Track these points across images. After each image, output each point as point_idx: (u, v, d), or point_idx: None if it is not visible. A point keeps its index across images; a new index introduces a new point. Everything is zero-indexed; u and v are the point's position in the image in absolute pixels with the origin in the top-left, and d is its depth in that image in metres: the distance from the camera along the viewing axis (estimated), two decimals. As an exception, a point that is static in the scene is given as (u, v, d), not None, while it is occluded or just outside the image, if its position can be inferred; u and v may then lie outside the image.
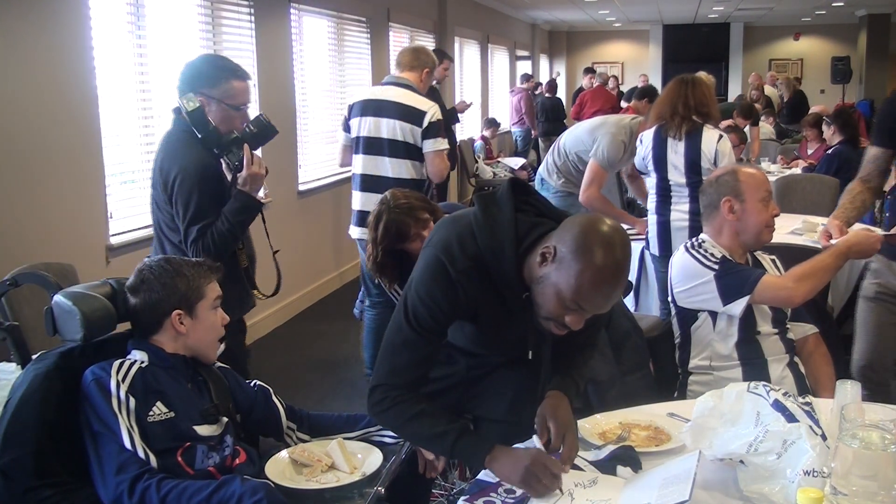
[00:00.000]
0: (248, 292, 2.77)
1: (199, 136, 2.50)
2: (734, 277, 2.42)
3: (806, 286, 2.40)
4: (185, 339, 1.97)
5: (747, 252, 2.57)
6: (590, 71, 12.74)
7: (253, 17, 5.34)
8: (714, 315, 2.47)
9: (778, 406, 1.69)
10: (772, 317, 2.50)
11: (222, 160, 2.54)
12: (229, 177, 2.54)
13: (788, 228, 4.31)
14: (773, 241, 3.77)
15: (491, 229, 1.78)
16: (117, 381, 1.81)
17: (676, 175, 3.71)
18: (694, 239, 2.60)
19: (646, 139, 3.87)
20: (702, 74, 4.26)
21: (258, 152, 2.67)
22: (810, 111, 8.53)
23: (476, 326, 1.93)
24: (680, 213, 3.70)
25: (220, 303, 2.02)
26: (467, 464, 1.85)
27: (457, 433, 1.78)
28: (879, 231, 2.68)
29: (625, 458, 1.83)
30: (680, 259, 2.54)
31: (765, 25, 17.03)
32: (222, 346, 2.11)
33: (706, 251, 2.49)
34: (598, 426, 2.02)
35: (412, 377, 1.85)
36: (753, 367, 2.44)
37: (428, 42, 9.33)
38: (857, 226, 4.23)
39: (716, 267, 2.44)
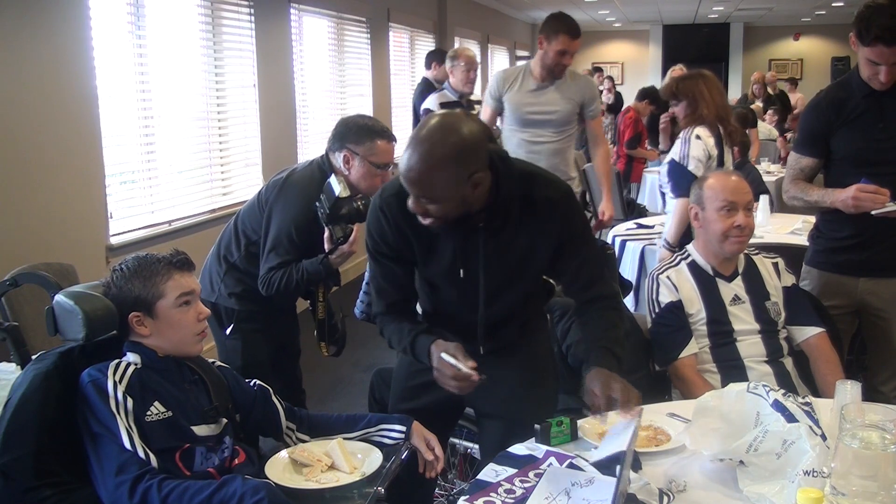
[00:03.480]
0: (295, 324, 3.08)
1: (326, 210, 2.64)
2: (659, 341, 2.51)
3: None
4: (152, 339, 1.93)
5: (734, 257, 2.56)
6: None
7: (253, 17, 5.34)
8: None
9: (778, 406, 1.69)
10: (754, 317, 2.48)
11: (327, 228, 2.66)
12: (326, 246, 2.67)
13: (788, 228, 4.31)
14: (774, 240, 3.79)
15: None
16: (114, 382, 1.81)
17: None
18: (669, 258, 2.64)
19: (703, 134, 3.53)
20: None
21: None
22: (795, 108, 8.48)
23: (419, 257, 2.07)
24: None
25: (192, 298, 1.96)
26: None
27: (410, 345, 2.06)
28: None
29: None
30: (643, 286, 2.60)
31: (765, 25, 17.02)
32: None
33: (657, 289, 2.52)
34: (598, 426, 2.02)
35: (390, 301, 2.14)
36: (731, 369, 2.43)
37: (428, 42, 9.33)
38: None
39: (653, 316, 2.53)
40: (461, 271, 2.02)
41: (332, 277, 2.78)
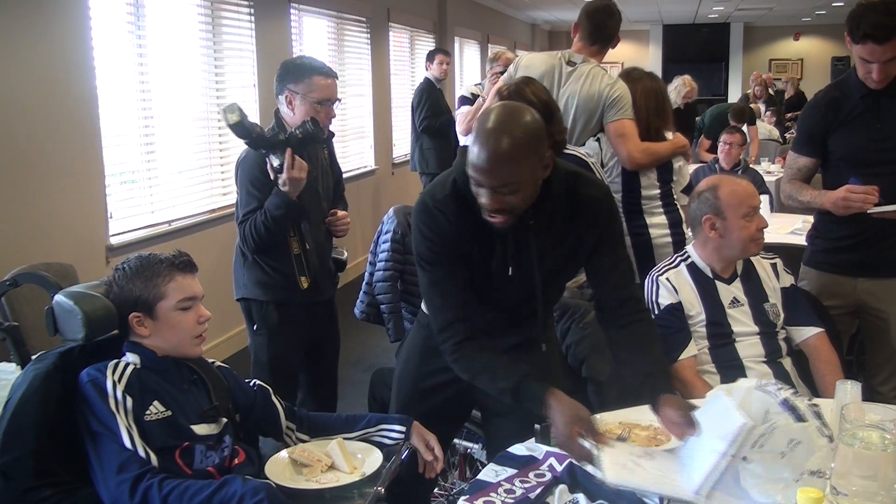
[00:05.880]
0: (333, 325, 2.99)
1: (244, 142, 2.65)
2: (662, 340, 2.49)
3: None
4: (151, 340, 1.92)
5: (736, 261, 2.56)
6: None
7: (253, 17, 5.34)
8: None
9: (786, 405, 1.68)
10: (753, 320, 2.48)
11: (267, 161, 2.65)
12: (272, 176, 2.65)
13: (789, 228, 4.32)
14: (774, 240, 3.78)
15: (464, 161, 1.91)
16: (113, 382, 1.81)
17: (648, 182, 3.27)
18: (668, 260, 2.62)
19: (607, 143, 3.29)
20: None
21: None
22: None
23: (476, 256, 2.01)
24: (660, 226, 3.26)
25: (193, 302, 1.95)
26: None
27: (511, 394, 1.88)
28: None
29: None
30: (644, 288, 2.59)
31: (765, 25, 17.02)
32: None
33: (657, 291, 2.52)
34: (597, 426, 2.02)
35: (452, 308, 1.98)
36: (730, 370, 2.43)
37: (428, 42, 9.34)
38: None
39: (653, 318, 2.47)
40: (510, 269, 2.01)
41: (292, 208, 2.67)
